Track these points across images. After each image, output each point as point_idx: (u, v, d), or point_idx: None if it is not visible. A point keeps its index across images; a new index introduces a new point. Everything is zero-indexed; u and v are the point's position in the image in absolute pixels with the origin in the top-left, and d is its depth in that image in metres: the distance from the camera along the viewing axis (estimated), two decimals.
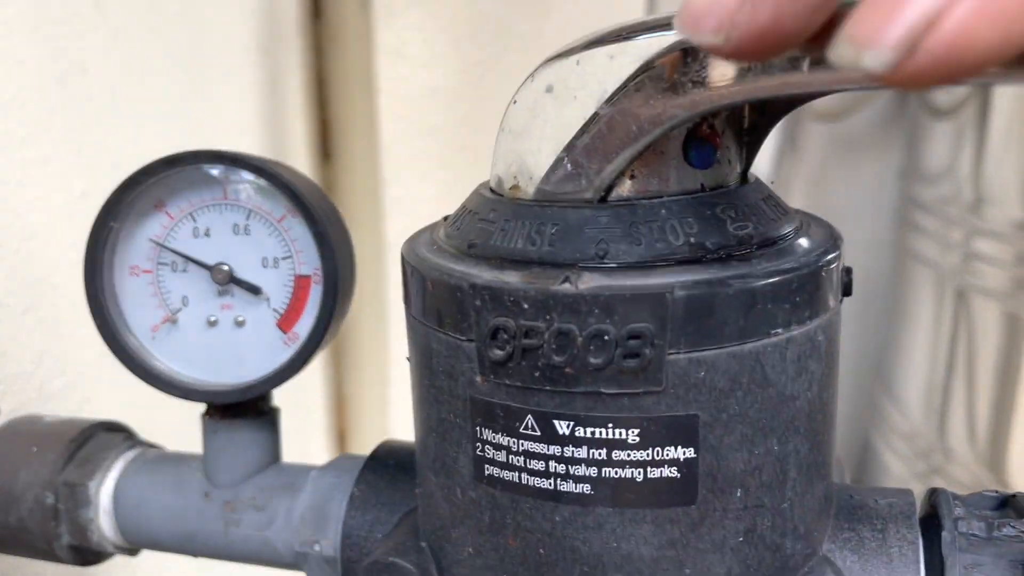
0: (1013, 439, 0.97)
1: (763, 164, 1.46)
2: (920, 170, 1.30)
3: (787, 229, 0.19)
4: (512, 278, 0.17)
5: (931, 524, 0.20)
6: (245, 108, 0.74)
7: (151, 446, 0.28)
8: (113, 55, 0.53)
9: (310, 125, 0.91)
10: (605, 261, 0.17)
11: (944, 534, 0.19)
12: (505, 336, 0.17)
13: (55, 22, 0.47)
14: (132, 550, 0.27)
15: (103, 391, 0.48)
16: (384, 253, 0.89)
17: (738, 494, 0.17)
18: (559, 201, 0.18)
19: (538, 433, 0.17)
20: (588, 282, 0.16)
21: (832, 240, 0.19)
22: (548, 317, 0.16)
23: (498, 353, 0.17)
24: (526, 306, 0.17)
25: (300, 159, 0.88)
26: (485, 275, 0.17)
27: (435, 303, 0.18)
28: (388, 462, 0.24)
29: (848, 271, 0.19)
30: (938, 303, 1.32)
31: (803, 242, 0.18)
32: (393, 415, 0.84)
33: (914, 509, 0.20)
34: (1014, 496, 0.20)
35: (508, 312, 0.17)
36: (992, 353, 0.97)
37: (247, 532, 0.24)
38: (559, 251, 0.17)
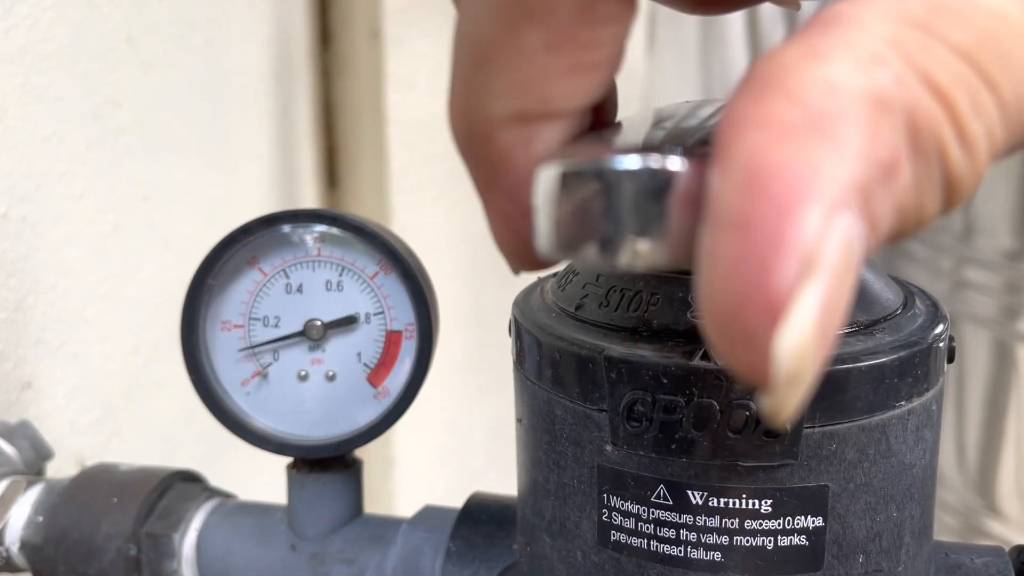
0: (1002, 464, 0.99)
1: None
2: None
3: (899, 303, 0.19)
4: (647, 351, 0.18)
5: None
6: (259, 136, 0.74)
7: (227, 495, 0.28)
8: (143, 88, 0.53)
9: (318, 152, 0.91)
10: None
11: None
12: (642, 409, 0.17)
13: (90, 58, 0.48)
14: None
15: (132, 425, 0.48)
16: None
17: (860, 559, 0.18)
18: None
19: (670, 502, 0.18)
20: None
21: (937, 310, 0.20)
22: (688, 392, 0.17)
23: (635, 426, 0.17)
24: (665, 381, 0.17)
25: (308, 186, 0.88)
26: (619, 348, 0.18)
27: (560, 372, 0.19)
28: (481, 516, 0.24)
29: (952, 339, 0.20)
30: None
31: (916, 315, 0.19)
32: (398, 473, 0.84)
33: (1010, 569, 0.21)
34: None
35: (646, 386, 0.17)
36: (981, 380, 0.99)
37: None
38: (677, 321, 0.18)
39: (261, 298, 0.25)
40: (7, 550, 0.28)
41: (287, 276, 0.25)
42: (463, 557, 0.23)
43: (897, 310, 0.19)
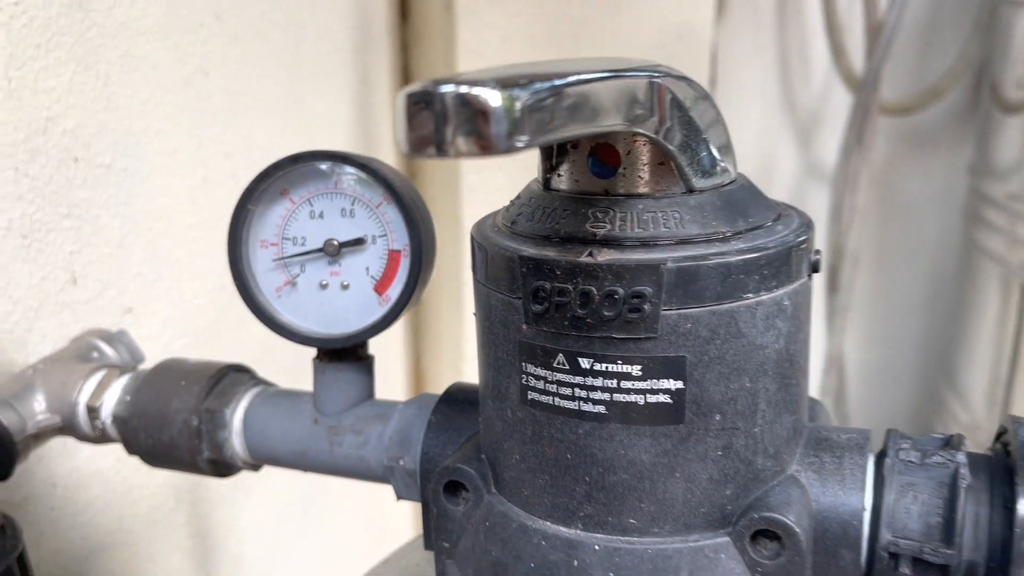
0: None
1: (829, 157, 1.45)
2: (990, 166, 1.30)
3: (766, 218, 0.24)
4: (550, 252, 0.23)
5: (882, 455, 0.25)
6: (338, 103, 0.82)
7: (269, 384, 0.35)
8: (230, 59, 0.61)
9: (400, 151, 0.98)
10: (618, 240, 0.23)
11: (887, 460, 0.24)
12: (543, 295, 0.23)
13: (183, 31, 0.55)
14: (256, 466, 0.34)
15: (216, 354, 0.56)
16: (462, 237, 0.96)
17: (717, 418, 0.23)
18: (582, 192, 0.24)
19: (567, 367, 0.23)
20: (605, 256, 0.22)
21: (803, 226, 0.24)
22: (575, 281, 0.22)
23: (538, 308, 0.23)
24: (559, 273, 0.23)
25: (387, 150, 0.95)
26: (530, 250, 0.23)
27: (494, 271, 0.24)
28: (458, 398, 0.30)
29: (817, 252, 0.25)
30: (1004, 298, 1.33)
31: (778, 228, 0.24)
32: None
33: (867, 441, 0.25)
34: (953, 436, 0.25)
35: (546, 277, 0.23)
36: None
37: (347, 451, 0.31)
38: (578, 231, 0.23)
39: (291, 222, 0.31)
40: (103, 423, 0.35)
41: (311, 204, 0.31)
42: (440, 427, 0.29)
43: (762, 224, 0.24)
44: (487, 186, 0.95)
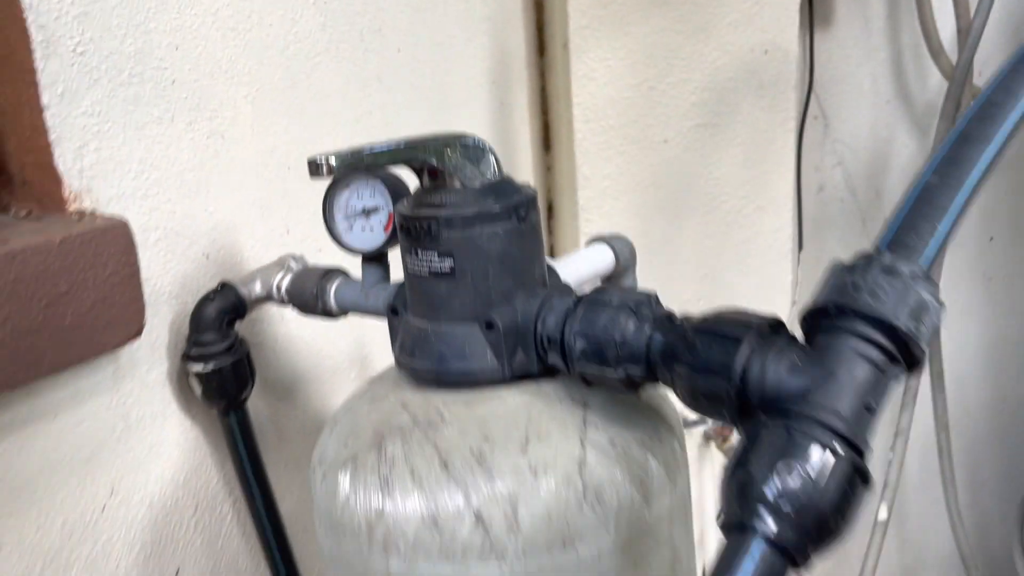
0: None
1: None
2: None
3: (501, 196, 0.58)
4: (405, 208, 0.59)
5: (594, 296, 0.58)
6: (479, 125, 1.19)
7: (347, 274, 0.74)
8: (388, 105, 1.00)
9: (535, 128, 1.35)
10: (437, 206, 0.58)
11: (587, 296, 0.57)
12: (410, 232, 0.59)
13: (358, 88, 0.95)
14: (340, 314, 0.73)
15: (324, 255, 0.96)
16: (577, 214, 1.31)
17: (468, 277, 0.57)
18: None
19: (417, 256, 0.59)
20: (426, 212, 0.58)
21: (526, 197, 0.58)
22: (418, 223, 0.58)
23: (406, 236, 0.59)
24: (415, 220, 0.59)
25: (528, 151, 1.31)
26: (407, 213, 0.60)
27: (402, 228, 0.61)
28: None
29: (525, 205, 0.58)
30: None
31: (497, 199, 0.58)
32: None
33: (572, 291, 0.58)
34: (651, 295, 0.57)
35: (403, 223, 0.59)
36: None
37: (372, 303, 0.69)
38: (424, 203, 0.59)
39: (348, 199, 0.69)
40: (283, 294, 0.76)
41: (358, 192, 0.69)
42: (399, 291, 0.66)
43: (491, 197, 0.58)
44: (599, 175, 1.29)
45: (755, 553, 0.44)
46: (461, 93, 1.16)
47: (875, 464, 1.58)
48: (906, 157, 1.58)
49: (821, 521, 0.44)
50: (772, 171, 1.37)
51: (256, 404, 0.83)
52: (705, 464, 1.41)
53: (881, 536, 1.50)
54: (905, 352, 0.47)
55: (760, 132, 1.34)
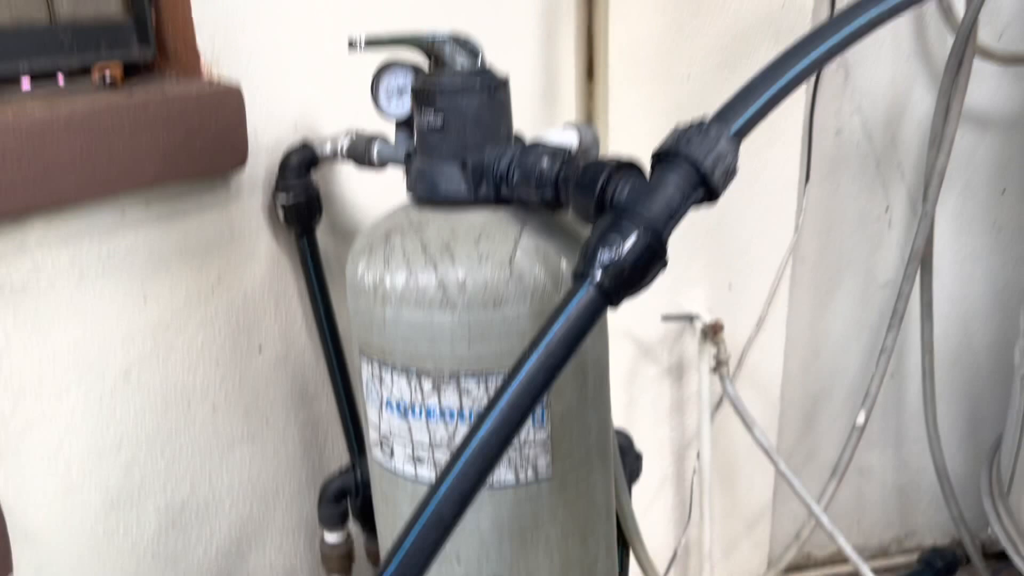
0: None
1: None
2: None
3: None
4: None
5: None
6: (527, 55, 1.46)
7: (386, 139, 1.03)
8: None
9: (581, 59, 1.61)
10: None
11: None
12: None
13: None
14: (380, 165, 1.03)
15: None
16: (608, 135, 1.57)
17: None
18: None
19: None
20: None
21: (498, 81, 0.85)
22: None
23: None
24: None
25: (572, 78, 1.58)
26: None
27: None
28: None
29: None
30: None
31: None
32: None
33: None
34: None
35: None
36: None
37: (400, 155, 0.98)
38: None
39: (389, 80, 0.99)
40: (345, 151, 1.06)
41: (391, 72, 0.98)
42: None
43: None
44: (628, 102, 1.55)
45: (584, 291, 0.72)
46: (513, 26, 1.43)
47: (859, 376, 1.81)
48: (923, 111, 1.76)
49: (627, 275, 0.71)
50: (783, 110, 1.58)
51: (323, 239, 1.15)
52: (704, 356, 1.66)
53: (857, 437, 1.72)
54: (704, 183, 0.74)
55: None
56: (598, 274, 0.72)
